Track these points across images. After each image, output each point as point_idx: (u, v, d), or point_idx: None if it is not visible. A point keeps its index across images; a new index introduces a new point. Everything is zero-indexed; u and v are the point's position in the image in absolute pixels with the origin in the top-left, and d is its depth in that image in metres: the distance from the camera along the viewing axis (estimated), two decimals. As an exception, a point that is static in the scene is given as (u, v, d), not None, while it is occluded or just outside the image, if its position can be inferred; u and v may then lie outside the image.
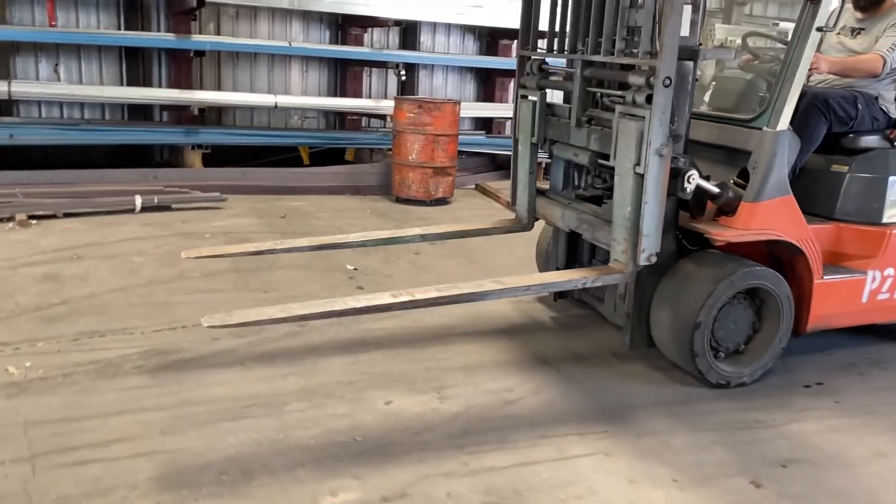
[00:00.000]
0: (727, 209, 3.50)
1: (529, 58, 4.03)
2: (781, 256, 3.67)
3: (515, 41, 9.57)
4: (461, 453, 2.84)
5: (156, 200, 6.19)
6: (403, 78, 8.64)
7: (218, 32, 8.28)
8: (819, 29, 3.37)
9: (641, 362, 3.74)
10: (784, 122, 3.43)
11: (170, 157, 8.19)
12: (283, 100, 7.78)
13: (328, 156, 8.46)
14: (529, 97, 4.00)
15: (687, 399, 3.40)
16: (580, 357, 3.80)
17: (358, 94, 8.80)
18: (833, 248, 3.79)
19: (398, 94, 9.20)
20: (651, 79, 3.09)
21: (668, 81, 3.05)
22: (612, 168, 3.44)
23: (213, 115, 8.31)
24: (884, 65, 3.81)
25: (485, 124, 9.63)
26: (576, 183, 4.10)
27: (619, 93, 3.46)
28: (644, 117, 3.13)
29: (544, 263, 4.50)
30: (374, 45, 9.13)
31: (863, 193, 3.81)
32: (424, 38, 9.44)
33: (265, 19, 8.57)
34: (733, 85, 3.91)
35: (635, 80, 3.19)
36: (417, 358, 3.66)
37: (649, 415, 3.23)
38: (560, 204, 3.95)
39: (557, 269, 4.16)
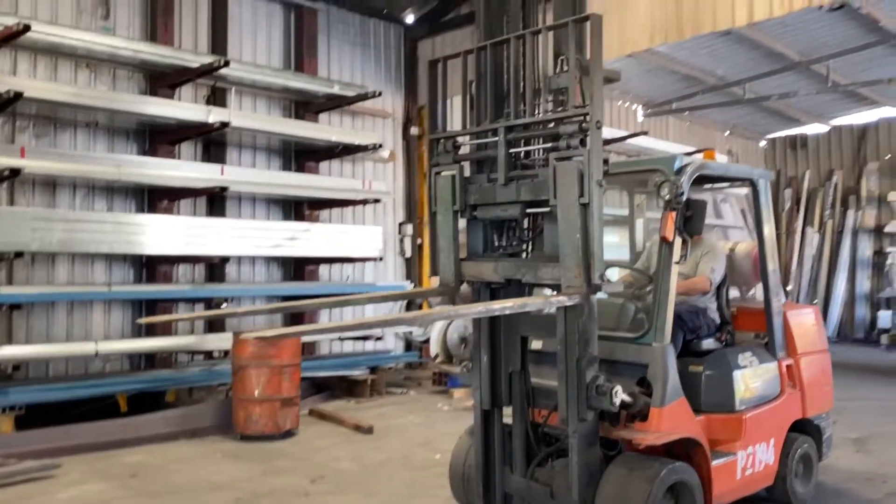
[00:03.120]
0: (639, 415, 4.10)
1: (439, 140, 4.51)
2: (677, 449, 4.30)
3: (330, 265, 10.12)
4: None
5: (-23, 480, 5.37)
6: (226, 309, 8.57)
7: (10, 281, 7.67)
8: (676, 262, 4.31)
9: (586, 568, 4.02)
10: (667, 337, 4.22)
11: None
12: (105, 346, 7.30)
13: (140, 399, 7.90)
14: (444, 173, 4.43)
15: None
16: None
17: (167, 331, 8.49)
18: (707, 436, 4.51)
19: (208, 328, 9.06)
20: (583, 125, 3.76)
21: (599, 124, 3.73)
22: (535, 220, 4.23)
23: None
24: (710, 284, 4.88)
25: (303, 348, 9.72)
26: (496, 244, 4.47)
27: (546, 146, 4.05)
28: (580, 158, 3.76)
29: (460, 482, 4.69)
30: (181, 279, 9.00)
31: (717, 387, 4.66)
32: (230, 268, 9.51)
33: (65, 263, 8.11)
34: (608, 308, 4.68)
35: (567, 129, 3.84)
36: None
37: None
38: (489, 261, 4.33)
39: (485, 480, 4.42)
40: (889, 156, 17.26)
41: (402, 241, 11.68)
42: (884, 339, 12.65)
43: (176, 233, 7.75)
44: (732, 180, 5.26)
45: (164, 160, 8.15)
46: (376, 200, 9.95)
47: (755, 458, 4.68)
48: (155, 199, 8.58)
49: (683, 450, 4.26)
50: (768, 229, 5.15)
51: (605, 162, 4.09)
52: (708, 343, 4.88)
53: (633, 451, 4.11)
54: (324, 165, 10.47)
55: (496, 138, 4.24)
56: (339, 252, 9.28)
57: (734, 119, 18.07)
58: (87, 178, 8.03)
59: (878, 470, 5.93)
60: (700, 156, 5.12)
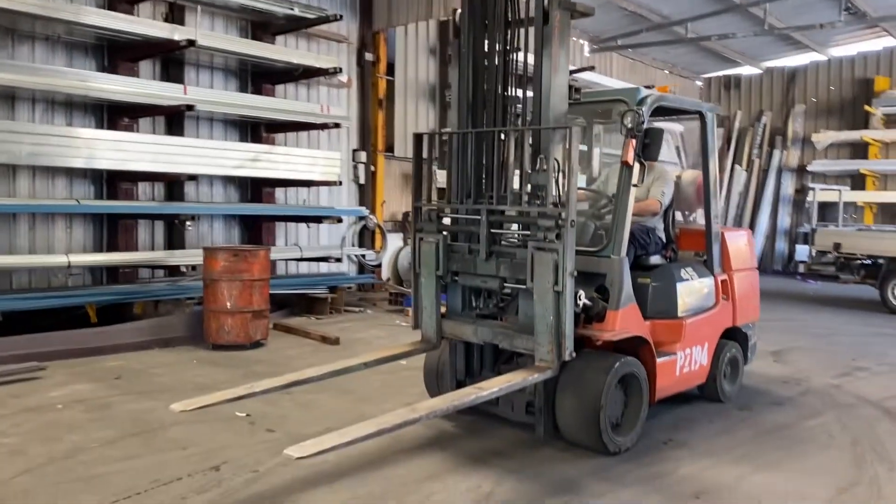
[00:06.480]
0: (597, 317, 4.67)
1: (421, 208, 4.92)
2: (627, 347, 4.88)
3: (286, 188, 10.33)
4: (489, 539, 3.43)
5: (-33, 379, 5.61)
6: (190, 229, 8.77)
7: (-29, 193, 7.70)
8: (634, 185, 4.82)
9: (546, 448, 4.63)
10: (623, 250, 4.76)
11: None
12: (77, 259, 7.47)
13: (107, 312, 8.11)
14: (428, 239, 4.84)
15: (603, 466, 4.36)
16: (501, 452, 4.56)
17: (131, 247, 8.65)
18: (653, 338, 5.13)
19: (167, 245, 9.23)
20: (559, 221, 4.19)
21: (573, 223, 4.19)
22: (510, 290, 4.55)
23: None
24: (660, 206, 5.44)
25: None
26: (473, 305, 4.97)
27: (525, 232, 4.52)
28: (556, 250, 4.21)
29: (435, 379, 5.22)
30: (141, 197, 9.10)
31: (662, 297, 5.27)
32: (188, 188, 9.63)
33: (26, 177, 8.14)
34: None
35: (545, 222, 4.26)
36: (384, 476, 4.13)
37: (589, 482, 4.13)
38: (468, 322, 4.80)
39: (458, 380, 4.97)
40: (815, 99, 18.24)
41: (355, 167, 11.92)
42: (801, 268, 13.75)
43: (143, 150, 7.85)
44: (685, 112, 5.76)
45: (128, 77, 8.17)
46: (336, 125, 10.16)
47: (692, 359, 5.35)
48: (115, 116, 8.61)
49: (633, 348, 4.86)
50: (713, 159, 5.71)
51: (577, 90, 4.56)
52: (655, 259, 5.46)
53: (591, 348, 4.68)
54: (279, 89, 10.56)
55: (478, 217, 4.64)
56: (300, 175, 9.51)
57: (673, 59, 18.71)
58: (46, 93, 8.01)
59: (792, 375, 6.76)
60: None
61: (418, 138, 5.01)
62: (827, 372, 6.94)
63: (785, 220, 18.11)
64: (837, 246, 11.62)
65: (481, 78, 4.73)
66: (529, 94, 4.61)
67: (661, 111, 5.42)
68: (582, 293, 4.46)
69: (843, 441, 4.99)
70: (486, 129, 4.66)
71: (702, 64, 19.24)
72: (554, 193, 4.30)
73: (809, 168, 17.55)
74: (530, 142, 4.52)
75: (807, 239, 16.66)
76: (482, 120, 4.73)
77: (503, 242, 4.74)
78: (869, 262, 11.59)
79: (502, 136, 4.65)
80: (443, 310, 5.00)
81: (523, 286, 4.46)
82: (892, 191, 16.86)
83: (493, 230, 4.67)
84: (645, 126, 4.80)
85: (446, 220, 4.97)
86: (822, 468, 4.47)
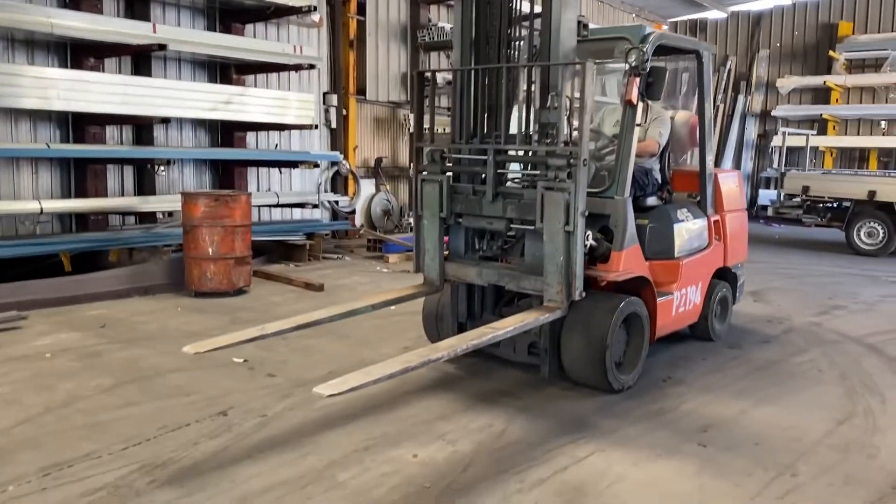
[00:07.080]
0: (602, 258, 4.66)
1: (423, 149, 4.81)
2: (629, 287, 4.90)
3: (256, 132, 10.05)
4: (511, 476, 3.45)
5: (-54, 328, 5.40)
6: (163, 174, 8.49)
7: (-69, 136, 7.31)
8: (637, 125, 4.78)
9: (551, 387, 4.67)
10: (627, 191, 4.73)
11: None
12: (50, 205, 7.17)
13: (80, 261, 7.86)
14: (430, 180, 4.75)
15: (608, 404, 4.41)
16: (508, 392, 4.59)
17: (101, 193, 8.34)
18: (652, 277, 5.16)
19: (137, 191, 8.95)
20: (571, 160, 4.13)
21: (585, 162, 4.13)
22: (513, 231, 4.51)
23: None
24: (658, 147, 5.41)
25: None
26: (475, 247, 4.92)
27: (534, 172, 4.46)
28: (567, 189, 4.15)
29: (435, 322, 5.18)
30: (108, 141, 8.76)
31: (659, 238, 5.28)
32: (157, 132, 9.31)
33: (-14, 120, 7.76)
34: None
35: (556, 161, 4.19)
36: (395, 418, 4.11)
37: (597, 419, 4.17)
38: (472, 264, 4.74)
39: (459, 322, 4.95)
40: (779, 44, 18.35)
41: (327, 111, 11.63)
42: (769, 211, 14.02)
43: (113, 91, 7.51)
44: (683, 51, 5.69)
45: (93, 14, 7.75)
46: (311, 66, 9.85)
47: (687, 298, 5.41)
48: (79, 55, 8.20)
49: (635, 288, 4.88)
50: (708, 100, 5.69)
51: (585, 27, 4.47)
52: (651, 200, 5.46)
53: (595, 288, 4.68)
54: (248, 29, 10.18)
55: (483, 157, 4.53)
56: (274, 118, 9.23)
57: (641, 1, 18.59)
58: (6, 29, 7.57)
59: (774, 314, 6.92)
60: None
61: (420, 76, 4.87)
62: (806, 311, 7.12)
63: (748, 164, 18.36)
64: (806, 189, 11.84)
65: (484, 12, 4.60)
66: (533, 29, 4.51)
67: (660, 50, 5.36)
68: (589, 233, 4.45)
69: (833, 376, 5.13)
70: (494, 66, 4.53)
71: (668, 7, 19.15)
72: (565, 132, 4.23)
73: (774, 113, 17.74)
74: (536, 79, 4.42)
75: (769, 183, 17.01)
76: (485, 57, 4.62)
77: (509, 183, 4.68)
78: (834, 205, 11.85)
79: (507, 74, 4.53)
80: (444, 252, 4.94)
81: (531, 227, 4.41)
82: (853, 136, 17.19)
83: (499, 171, 4.60)
84: (649, 64, 4.73)
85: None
86: (817, 402, 4.59)
